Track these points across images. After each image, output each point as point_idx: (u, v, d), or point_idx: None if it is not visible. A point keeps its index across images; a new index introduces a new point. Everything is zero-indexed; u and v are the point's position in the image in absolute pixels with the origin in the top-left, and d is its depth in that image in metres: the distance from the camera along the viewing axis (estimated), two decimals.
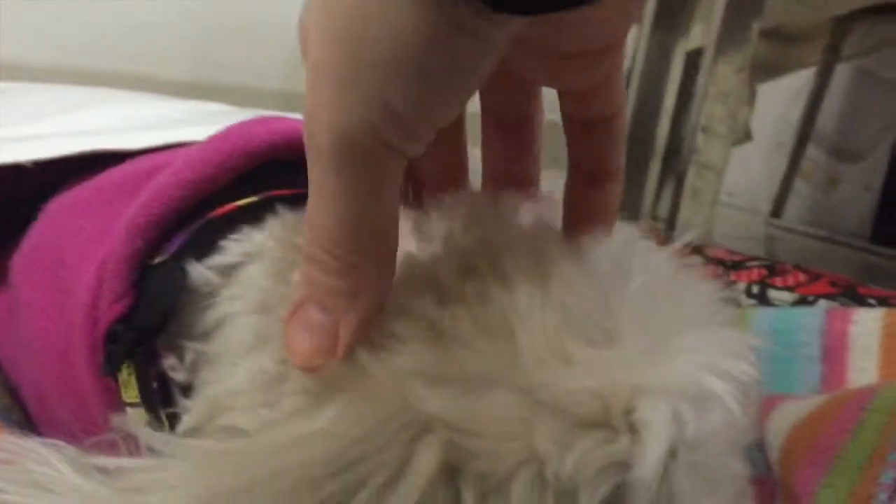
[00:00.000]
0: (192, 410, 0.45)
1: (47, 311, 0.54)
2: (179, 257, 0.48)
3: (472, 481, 0.34)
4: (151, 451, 0.38)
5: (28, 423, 0.57)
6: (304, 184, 0.52)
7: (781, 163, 2.20)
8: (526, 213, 0.44)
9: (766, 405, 0.67)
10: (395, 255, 0.38)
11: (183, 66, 1.53)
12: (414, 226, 0.43)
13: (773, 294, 0.83)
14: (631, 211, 1.36)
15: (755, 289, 0.84)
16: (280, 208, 0.50)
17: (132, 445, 0.40)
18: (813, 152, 2.20)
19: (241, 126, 0.52)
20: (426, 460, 0.34)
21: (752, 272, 0.86)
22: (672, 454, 0.37)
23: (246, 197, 0.51)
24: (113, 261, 0.48)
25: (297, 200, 0.51)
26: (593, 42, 0.38)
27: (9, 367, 0.59)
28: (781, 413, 0.65)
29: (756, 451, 0.66)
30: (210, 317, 0.47)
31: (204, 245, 0.49)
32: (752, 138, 2.07)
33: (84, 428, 0.50)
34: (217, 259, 0.48)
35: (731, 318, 0.45)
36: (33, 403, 0.57)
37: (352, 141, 0.34)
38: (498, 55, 0.35)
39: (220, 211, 0.50)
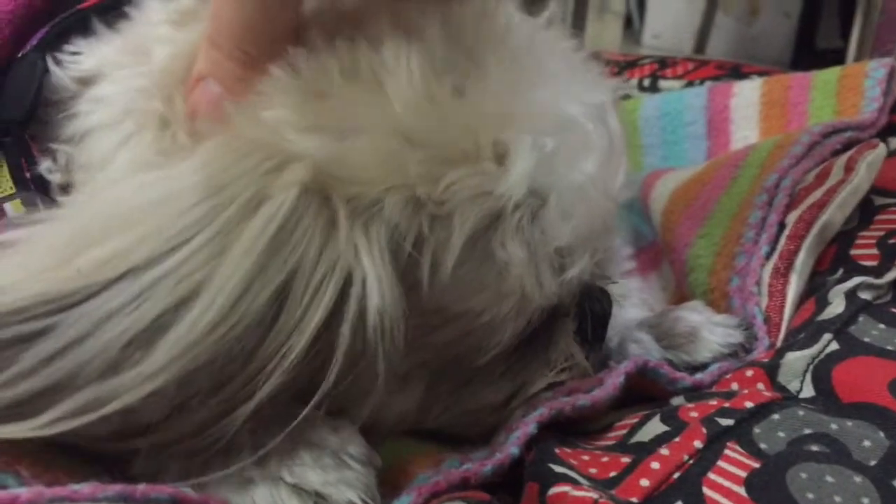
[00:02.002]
0: None
1: None
2: (40, 50, 0.48)
3: (342, 203, 0.37)
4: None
5: None
6: None
7: None
8: None
9: (651, 178, 0.69)
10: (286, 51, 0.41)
11: None
12: None
13: (663, 84, 0.84)
14: None
15: (646, 82, 0.85)
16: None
17: None
18: None
19: None
20: (289, 180, 0.36)
21: (644, 68, 0.87)
22: (534, 178, 0.40)
23: None
24: None
25: None
26: None
27: None
28: (664, 182, 0.68)
29: (642, 221, 0.69)
30: (75, 125, 0.47)
31: (62, 41, 0.49)
32: None
33: None
34: (74, 69, 0.48)
35: (597, 73, 0.47)
36: None
37: None
38: None
39: (82, 6, 0.50)
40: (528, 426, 0.41)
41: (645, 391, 0.48)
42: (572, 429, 0.45)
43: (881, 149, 0.57)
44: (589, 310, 0.48)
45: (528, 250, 0.41)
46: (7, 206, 0.48)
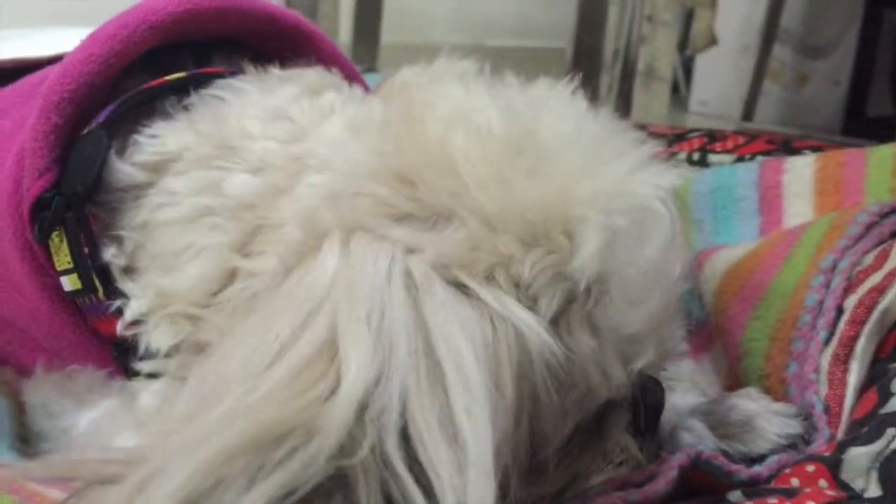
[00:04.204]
0: (139, 297, 0.47)
1: None
2: (105, 128, 0.49)
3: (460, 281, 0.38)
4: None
5: None
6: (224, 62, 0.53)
7: (749, 65, 2.18)
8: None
9: (702, 256, 0.68)
10: None
11: None
12: None
13: (713, 158, 0.83)
14: None
15: (696, 156, 0.84)
16: (213, 90, 0.50)
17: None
18: (780, 52, 2.18)
19: (144, 2, 0.52)
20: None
21: (693, 142, 0.86)
22: (604, 259, 0.40)
23: (171, 73, 0.52)
24: (31, 139, 0.48)
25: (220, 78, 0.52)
26: None
27: None
28: (715, 260, 0.66)
29: (693, 300, 0.68)
30: (141, 214, 0.48)
31: (129, 120, 0.49)
32: (718, 43, 2.07)
33: (19, 314, 0.51)
34: (145, 152, 0.49)
35: (654, 153, 0.47)
36: None
37: None
38: None
39: (149, 84, 0.51)
40: None
41: (699, 483, 0.46)
42: None
43: None
44: (643, 400, 0.47)
45: (596, 339, 0.40)
46: (64, 279, 0.48)
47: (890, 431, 0.43)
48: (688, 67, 2.44)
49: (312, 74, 0.52)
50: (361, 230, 0.39)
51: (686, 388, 0.56)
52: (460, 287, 0.38)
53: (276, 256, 0.42)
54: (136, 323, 0.46)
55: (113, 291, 0.47)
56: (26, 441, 0.50)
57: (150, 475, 0.32)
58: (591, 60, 1.38)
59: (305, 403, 0.32)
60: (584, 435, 0.44)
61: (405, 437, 0.33)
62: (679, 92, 2.47)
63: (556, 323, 0.39)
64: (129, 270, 0.47)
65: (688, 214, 0.77)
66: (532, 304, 0.39)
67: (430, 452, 0.33)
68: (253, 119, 0.48)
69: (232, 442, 0.31)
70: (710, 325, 0.65)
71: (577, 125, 0.45)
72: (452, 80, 0.47)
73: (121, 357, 0.48)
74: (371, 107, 0.48)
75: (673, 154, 0.87)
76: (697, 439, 0.51)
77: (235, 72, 0.53)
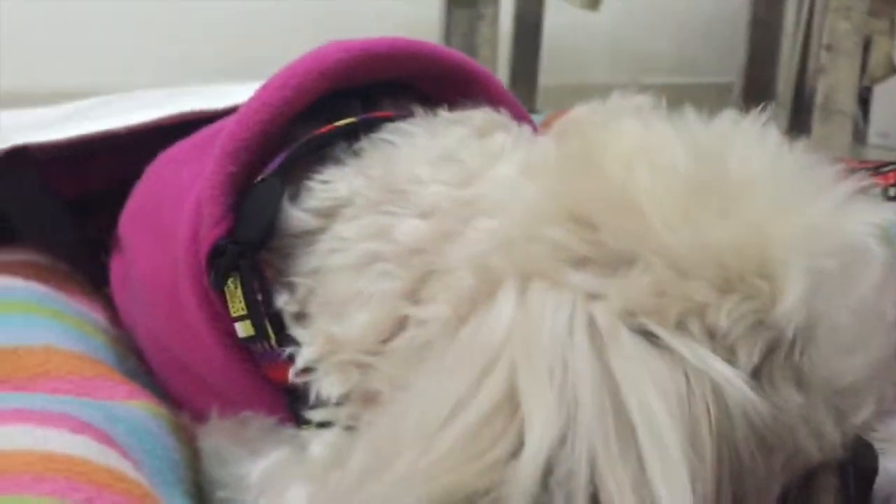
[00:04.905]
0: (310, 344, 0.46)
1: (152, 257, 0.56)
2: (278, 175, 0.49)
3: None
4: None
5: (149, 375, 0.60)
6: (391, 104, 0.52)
7: None
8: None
9: None
10: None
11: None
12: None
13: None
14: None
15: (892, 191, 0.77)
16: (382, 133, 0.50)
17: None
18: None
19: (314, 50, 0.53)
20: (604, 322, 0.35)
21: (889, 176, 0.79)
22: (811, 304, 0.36)
23: (339, 117, 0.52)
24: (209, 187, 0.49)
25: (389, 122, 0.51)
26: None
27: (131, 327, 0.62)
28: None
29: None
30: (313, 260, 0.48)
31: (301, 167, 0.50)
32: None
33: (195, 359, 0.52)
34: (317, 198, 0.49)
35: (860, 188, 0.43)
36: (149, 349, 0.59)
37: None
38: None
39: (319, 130, 0.51)
40: None
41: None
42: None
43: None
44: (853, 464, 0.41)
45: (804, 394, 0.36)
46: (238, 326, 0.48)
47: None
48: (864, 98, 2.31)
49: (480, 115, 0.51)
50: (539, 276, 0.37)
51: None
52: (649, 337, 0.35)
53: (448, 304, 0.40)
54: (306, 370, 0.45)
55: (285, 338, 0.47)
56: (201, 488, 0.50)
57: None
58: (762, 95, 1.31)
59: (486, 466, 0.30)
60: (789, 501, 0.40)
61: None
62: (856, 125, 2.33)
63: (757, 376, 0.36)
64: (300, 317, 0.47)
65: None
66: (730, 356, 0.35)
67: None
68: (422, 163, 0.47)
69: None
70: None
71: (771, 160, 0.42)
72: (629, 116, 0.44)
73: (292, 405, 0.47)
74: (544, 147, 0.45)
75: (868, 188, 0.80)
76: None
77: (405, 115, 0.52)
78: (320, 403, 0.45)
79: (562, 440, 0.31)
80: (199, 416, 0.53)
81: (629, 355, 0.33)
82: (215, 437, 0.50)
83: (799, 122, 1.30)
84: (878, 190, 0.78)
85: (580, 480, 0.30)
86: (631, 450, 0.31)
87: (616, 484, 0.30)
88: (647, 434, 0.31)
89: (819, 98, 1.19)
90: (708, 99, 0.48)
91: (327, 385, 0.44)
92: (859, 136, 2.34)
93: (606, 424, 0.31)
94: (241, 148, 0.49)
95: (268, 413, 0.49)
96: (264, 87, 0.51)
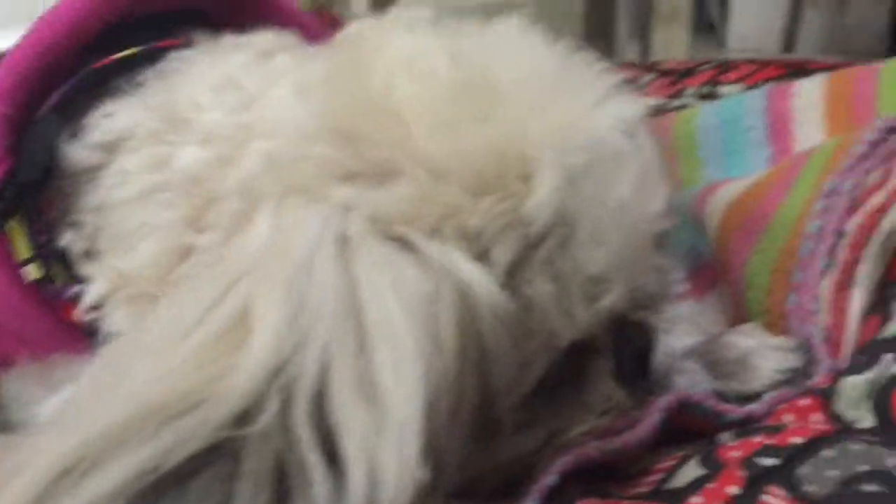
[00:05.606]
0: (98, 281, 0.46)
1: None
2: (57, 111, 0.48)
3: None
4: None
5: None
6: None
7: None
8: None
9: (705, 192, 0.65)
10: None
11: None
12: None
13: (722, 90, 0.79)
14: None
15: (705, 89, 0.80)
16: (165, 63, 0.49)
17: None
18: None
19: None
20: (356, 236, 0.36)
21: (703, 75, 0.83)
22: (563, 201, 0.38)
23: (123, 48, 0.50)
24: None
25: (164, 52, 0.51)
26: None
27: None
28: (719, 194, 0.63)
29: (696, 237, 0.65)
30: (97, 196, 0.47)
31: (81, 102, 0.48)
32: None
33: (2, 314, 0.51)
34: (93, 136, 0.47)
35: (618, 84, 0.45)
36: None
37: None
38: None
39: (100, 63, 0.50)
40: (547, 478, 0.38)
41: (693, 427, 0.44)
42: (615, 474, 0.42)
43: None
44: (625, 346, 0.44)
45: (556, 283, 0.38)
46: (27, 269, 0.48)
47: (886, 358, 0.41)
48: (723, 2, 2.36)
49: (264, 38, 0.50)
50: (298, 193, 0.38)
51: (685, 330, 0.54)
52: (404, 244, 0.36)
53: (221, 229, 0.40)
54: (96, 307, 0.45)
55: (75, 277, 0.46)
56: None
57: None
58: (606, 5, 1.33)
59: (211, 374, 0.31)
60: (560, 388, 0.42)
61: (319, 403, 0.31)
62: (716, 30, 2.39)
63: (512, 273, 0.38)
64: (89, 254, 0.47)
65: (695, 152, 0.73)
66: (482, 255, 0.37)
67: (343, 413, 0.31)
68: (203, 89, 0.47)
69: (128, 414, 0.30)
70: (714, 263, 0.62)
71: (532, 63, 0.43)
72: (400, 30, 0.45)
73: (93, 343, 0.47)
74: (317, 65, 0.46)
75: (681, 90, 0.83)
76: (691, 381, 0.48)
77: (189, 43, 0.51)
78: (111, 339, 0.45)
79: (295, 346, 0.32)
80: (11, 365, 0.52)
81: (374, 262, 0.35)
82: (19, 381, 0.50)
83: (641, 30, 1.33)
84: (692, 90, 0.82)
85: (306, 381, 0.31)
86: (364, 350, 0.32)
87: (341, 379, 0.31)
88: (380, 333, 0.33)
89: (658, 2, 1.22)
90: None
91: (117, 320, 0.44)
92: (720, 40, 2.40)
93: (341, 329, 0.32)
94: (14, 86, 0.48)
95: (75, 355, 0.49)
96: (39, 22, 0.50)
